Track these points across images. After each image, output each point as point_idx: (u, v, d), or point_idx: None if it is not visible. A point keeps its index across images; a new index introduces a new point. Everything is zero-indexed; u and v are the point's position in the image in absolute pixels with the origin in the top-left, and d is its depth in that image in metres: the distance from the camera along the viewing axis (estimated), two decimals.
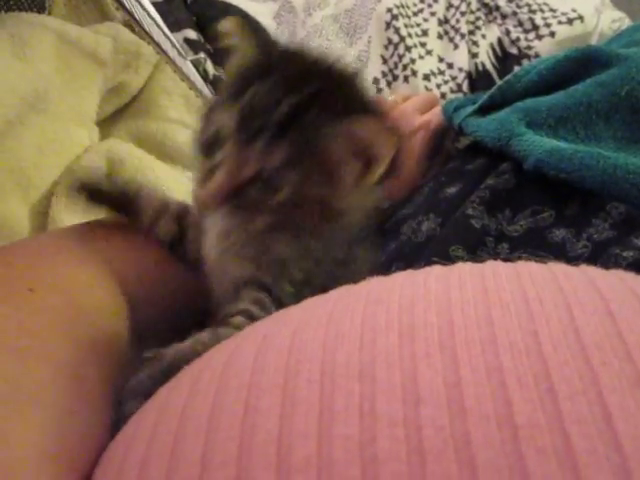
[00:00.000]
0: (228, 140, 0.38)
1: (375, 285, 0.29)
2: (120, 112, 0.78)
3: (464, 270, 0.30)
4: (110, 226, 0.47)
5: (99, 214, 0.65)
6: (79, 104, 0.64)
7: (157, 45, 0.72)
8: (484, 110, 0.69)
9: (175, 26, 0.93)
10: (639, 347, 0.21)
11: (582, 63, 0.66)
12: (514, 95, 0.68)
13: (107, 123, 0.75)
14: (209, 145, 0.40)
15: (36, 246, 0.42)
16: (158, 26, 0.79)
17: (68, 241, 0.43)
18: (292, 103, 0.37)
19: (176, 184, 0.71)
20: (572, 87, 0.65)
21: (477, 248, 0.57)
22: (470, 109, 0.70)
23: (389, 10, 0.92)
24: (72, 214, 0.60)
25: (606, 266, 0.51)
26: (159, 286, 0.48)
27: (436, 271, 0.31)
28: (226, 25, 0.42)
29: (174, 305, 0.49)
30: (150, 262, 0.47)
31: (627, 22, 0.96)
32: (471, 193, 0.64)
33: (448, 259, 0.55)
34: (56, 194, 0.60)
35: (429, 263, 0.54)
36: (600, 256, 0.52)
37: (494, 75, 0.91)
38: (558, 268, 0.31)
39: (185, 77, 0.78)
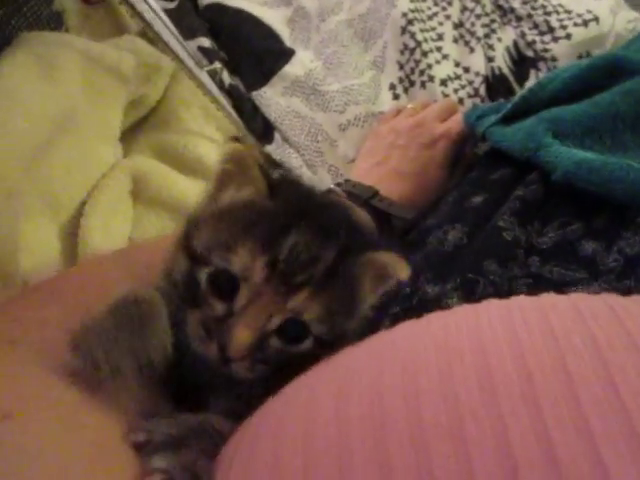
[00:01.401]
0: (252, 287, 0.36)
1: (439, 325, 0.29)
2: (139, 125, 0.77)
3: (524, 307, 0.30)
4: (148, 248, 0.47)
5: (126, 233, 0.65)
6: (104, 122, 0.63)
7: (176, 57, 0.71)
8: (508, 119, 0.69)
9: (189, 34, 0.92)
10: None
11: (607, 71, 0.66)
12: (538, 104, 0.67)
13: (127, 137, 0.74)
14: (216, 282, 0.37)
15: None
16: (175, 36, 0.78)
17: (113, 272, 0.43)
18: (331, 257, 0.37)
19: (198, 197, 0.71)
20: (598, 96, 0.65)
21: (508, 261, 0.57)
22: (494, 118, 0.70)
23: (404, 15, 0.91)
24: (101, 234, 0.60)
25: (638, 281, 0.51)
26: None
27: (495, 309, 0.31)
28: (231, 151, 0.39)
29: None
30: None
31: None
32: (497, 203, 0.64)
33: (481, 273, 0.55)
34: (84, 214, 0.60)
35: (463, 277, 0.55)
36: (633, 271, 0.52)
37: (511, 79, 0.90)
38: (614, 301, 0.31)
39: (203, 88, 0.78)
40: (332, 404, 0.25)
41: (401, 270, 0.39)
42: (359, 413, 0.24)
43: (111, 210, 0.63)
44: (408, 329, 0.31)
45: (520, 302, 0.31)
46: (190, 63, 0.81)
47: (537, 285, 0.55)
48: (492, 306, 0.31)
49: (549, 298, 0.32)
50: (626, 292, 0.50)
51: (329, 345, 0.37)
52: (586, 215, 0.59)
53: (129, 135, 0.76)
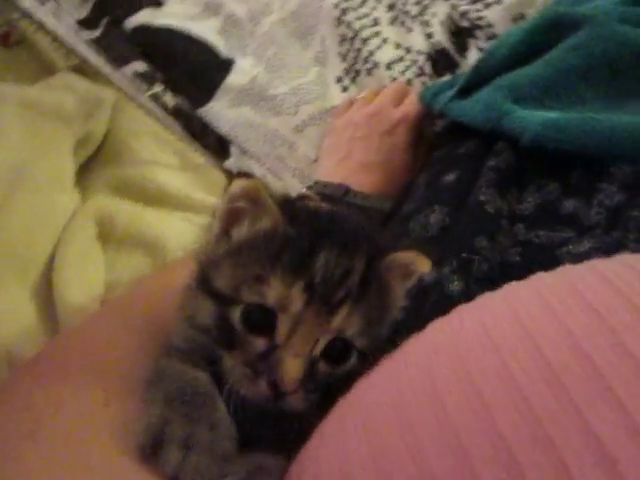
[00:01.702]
0: (292, 316, 0.35)
1: (474, 323, 0.28)
2: (91, 164, 0.73)
3: (549, 285, 0.29)
4: (142, 297, 0.45)
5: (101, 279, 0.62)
6: (56, 169, 0.60)
7: (119, 86, 0.68)
8: (463, 92, 0.69)
9: (121, 61, 0.88)
10: None
11: (551, 30, 0.66)
12: (491, 72, 0.67)
13: (80, 178, 0.71)
14: (251, 318, 0.36)
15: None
16: (110, 65, 0.75)
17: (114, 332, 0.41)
18: (362, 267, 0.37)
19: (169, 228, 0.68)
20: (547, 55, 0.65)
21: (496, 234, 0.57)
22: (449, 93, 0.69)
23: (336, 5, 0.90)
24: (76, 287, 0.57)
25: (628, 230, 0.52)
26: None
27: (523, 293, 0.30)
28: (239, 189, 0.38)
29: None
30: None
31: None
32: (471, 177, 0.64)
33: (474, 251, 0.55)
34: (54, 269, 0.56)
35: (458, 258, 0.54)
36: (617, 221, 0.53)
37: (452, 52, 0.90)
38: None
39: (150, 112, 0.75)
40: (397, 426, 0.24)
41: (423, 264, 0.40)
42: (429, 435, 0.23)
43: (81, 259, 0.59)
44: (445, 334, 0.30)
45: (542, 281, 0.30)
46: (130, 90, 0.78)
47: (527, 252, 0.55)
48: (517, 291, 0.31)
49: (566, 271, 0.31)
50: (616, 244, 0.51)
51: (368, 358, 0.37)
52: (560, 174, 0.60)
53: (82, 176, 0.72)
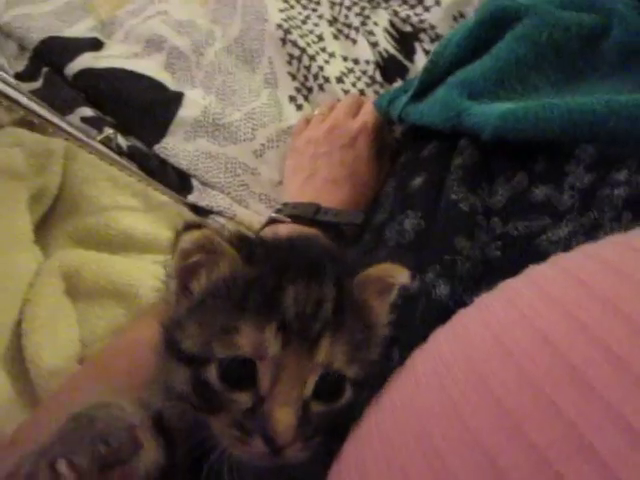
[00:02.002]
0: (272, 361, 0.32)
1: (479, 326, 0.27)
2: (49, 218, 0.70)
3: (547, 277, 0.28)
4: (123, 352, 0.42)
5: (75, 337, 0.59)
6: (13, 229, 0.57)
7: (70, 134, 0.65)
8: (418, 95, 0.69)
9: (66, 108, 0.86)
10: None
11: (494, 23, 0.67)
12: (442, 72, 0.68)
13: (39, 234, 0.68)
14: (228, 374, 0.33)
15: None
16: (56, 114, 0.72)
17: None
18: (333, 293, 0.35)
19: (140, 273, 0.65)
20: (495, 47, 0.66)
21: (474, 231, 0.56)
22: (405, 98, 0.69)
23: (279, 26, 0.90)
24: (49, 349, 0.54)
25: (603, 210, 0.52)
26: None
27: (523, 289, 0.29)
28: (189, 243, 0.35)
29: None
30: None
31: None
32: (439, 178, 0.63)
33: (455, 252, 0.54)
34: (24, 334, 0.53)
35: (441, 261, 0.53)
36: (591, 202, 0.53)
37: (400, 57, 0.91)
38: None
39: (104, 156, 0.72)
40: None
41: (401, 274, 0.38)
42: (460, 462, 0.21)
43: (51, 319, 0.57)
44: (452, 345, 0.28)
45: (539, 274, 0.29)
46: (83, 136, 0.75)
47: (507, 245, 0.55)
48: (517, 289, 0.29)
49: (560, 261, 0.30)
50: (594, 225, 0.51)
51: (365, 386, 0.34)
52: (526, 163, 0.60)
53: (42, 232, 0.69)
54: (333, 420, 0.34)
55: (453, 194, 0.58)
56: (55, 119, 0.63)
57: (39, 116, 0.60)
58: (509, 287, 0.30)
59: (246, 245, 0.37)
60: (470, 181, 0.59)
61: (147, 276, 0.65)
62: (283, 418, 0.31)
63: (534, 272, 0.30)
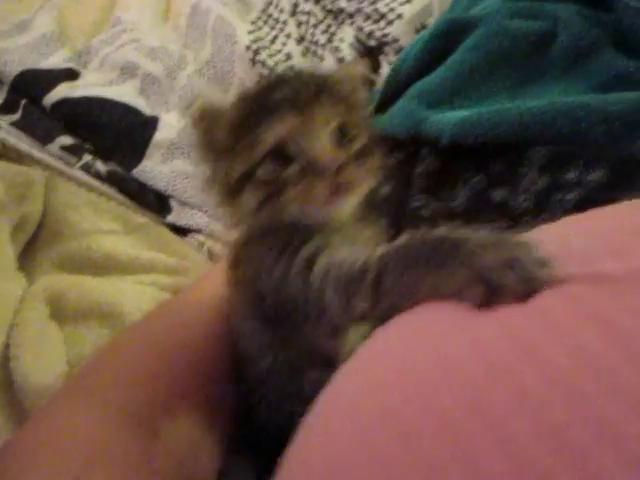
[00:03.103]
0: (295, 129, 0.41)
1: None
2: (32, 245, 0.73)
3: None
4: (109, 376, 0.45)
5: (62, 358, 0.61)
6: None
7: (47, 164, 0.68)
8: (381, 107, 0.72)
9: (46, 138, 0.89)
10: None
11: (448, 35, 0.70)
12: (402, 84, 0.71)
13: (24, 262, 0.70)
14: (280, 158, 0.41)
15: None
16: (34, 145, 0.75)
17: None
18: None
19: (122, 293, 0.68)
20: (449, 59, 0.69)
21: None
22: (368, 110, 0.72)
23: (248, 47, 0.93)
24: (36, 371, 0.56)
25: (553, 214, 0.55)
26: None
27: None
28: (196, 110, 0.44)
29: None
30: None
31: None
32: (403, 186, 0.66)
33: None
34: (12, 357, 0.55)
35: None
36: (544, 206, 0.56)
37: (366, 71, 0.94)
38: None
39: (83, 183, 0.75)
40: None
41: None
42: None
43: (38, 341, 0.59)
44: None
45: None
46: (59, 165, 0.78)
47: None
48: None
49: None
50: None
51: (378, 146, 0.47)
52: (484, 166, 0.62)
53: (27, 259, 0.72)
54: (361, 157, 0.43)
55: (414, 202, 0.61)
56: (34, 150, 0.65)
57: (17, 148, 0.62)
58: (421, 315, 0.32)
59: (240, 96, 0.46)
60: (431, 188, 0.62)
61: (129, 296, 0.68)
62: (322, 152, 0.40)
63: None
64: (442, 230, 0.35)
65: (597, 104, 0.57)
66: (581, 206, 0.54)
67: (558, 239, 0.31)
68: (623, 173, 0.52)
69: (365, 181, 0.44)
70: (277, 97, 0.42)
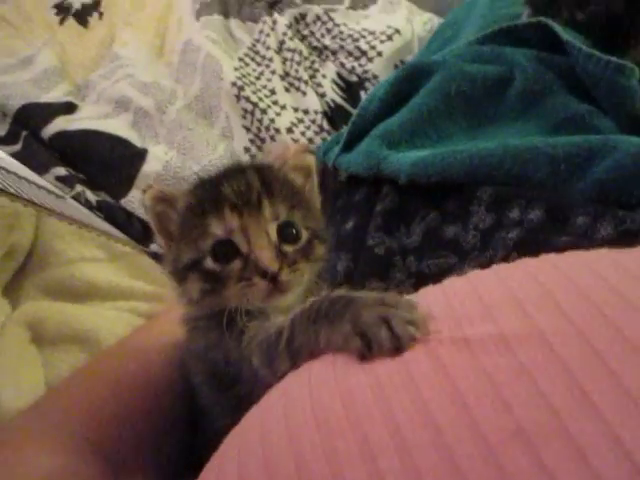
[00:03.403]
0: (238, 230, 0.43)
1: (315, 364, 0.33)
2: (20, 272, 0.78)
3: None
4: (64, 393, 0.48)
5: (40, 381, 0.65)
6: None
7: (31, 203, 0.73)
8: (349, 145, 0.76)
9: (42, 169, 0.94)
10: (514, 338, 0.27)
11: (410, 79, 0.74)
12: (368, 124, 0.75)
13: (10, 289, 0.75)
14: (219, 255, 0.44)
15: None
16: (26, 180, 0.80)
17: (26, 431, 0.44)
18: (259, 177, 0.46)
19: (100, 320, 0.72)
20: (411, 101, 0.73)
21: (388, 272, 0.62)
22: (337, 149, 0.76)
23: (234, 84, 0.98)
24: (13, 393, 0.60)
25: (496, 251, 0.58)
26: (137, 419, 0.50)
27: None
28: (148, 200, 0.47)
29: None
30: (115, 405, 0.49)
31: (436, 20, 1.08)
32: (365, 222, 0.70)
33: None
34: None
35: None
36: (489, 243, 0.59)
37: (346, 106, 0.98)
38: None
39: (71, 220, 0.79)
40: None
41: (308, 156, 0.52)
42: None
43: (16, 364, 0.63)
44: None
45: None
46: (50, 198, 0.82)
47: (419, 283, 0.60)
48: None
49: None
50: (488, 265, 0.56)
51: (322, 237, 0.49)
52: (439, 204, 0.66)
53: (14, 285, 0.76)
54: (304, 253, 0.46)
55: (370, 239, 0.64)
56: (23, 190, 0.70)
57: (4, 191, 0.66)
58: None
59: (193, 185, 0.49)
60: (388, 226, 0.65)
61: (106, 322, 0.72)
62: (264, 255, 0.42)
63: None
64: (341, 290, 0.38)
65: (544, 146, 0.60)
66: (520, 246, 0.57)
67: (444, 300, 0.34)
68: (559, 215, 0.55)
69: (305, 277, 0.45)
70: (225, 192, 0.44)
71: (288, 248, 0.45)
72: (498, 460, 0.21)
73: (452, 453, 0.22)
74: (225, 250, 0.43)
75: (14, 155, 0.98)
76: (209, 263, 0.44)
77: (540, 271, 0.31)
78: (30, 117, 1.04)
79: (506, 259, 0.55)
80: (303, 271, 0.44)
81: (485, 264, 0.56)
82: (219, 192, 0.44)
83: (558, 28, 0.70)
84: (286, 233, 0.45)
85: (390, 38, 1.01)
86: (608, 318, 0.24)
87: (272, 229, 0.44)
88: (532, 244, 0.55)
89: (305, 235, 0.46)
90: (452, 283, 0.36)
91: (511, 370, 0.24)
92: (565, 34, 0.70)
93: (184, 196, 0.47)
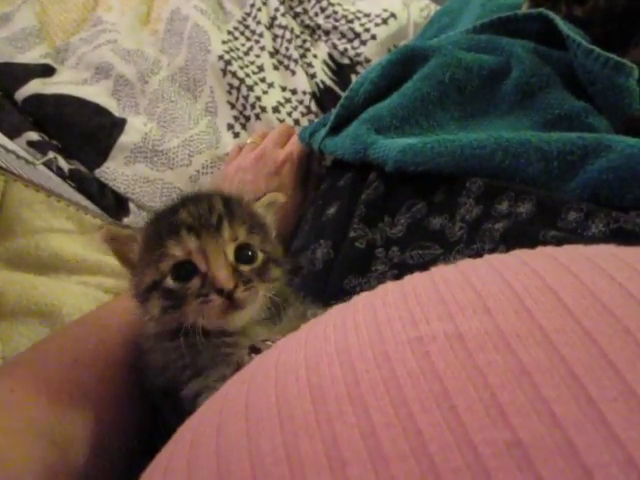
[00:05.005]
0: (198, 251, 0.45)
1: (283, 350, 0.30)
2: None
3: (358, 308, 0.32)
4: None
5: None
6: None
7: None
8: (336, 128, 0.73)
9: (14, 132, 0.89)
10: (514, 336, 0.24)
11: (404, 63, 0.71)
12: (357, 108, 0.72)
13: None
14: (180, 275, 0.46)
15: None
16: None
17: None
18: (221, 203, 0.49)
19: (64, 294, 0.68)
20: (404, 86, 0.70)
21: (369, 265, 0.60)
22: (324, 132, 0.73)
23: (220, 57, 0.94)
24: None
25: (483, 243, 0.56)
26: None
27: (334, 317, 0.32)
28: (101, 237, 0.50)
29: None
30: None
31: (433, 7, 1.05)
32: (349, 208, 0.67)
33: (346, 292, 0.58)
34: None
35: (335, 298, 0.57)
36: (476, 234, 0.57)
37: (336, 89, 0.95)
38: (438, 276, 0.33)
39: (40, 187, 0.75)
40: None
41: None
42: None
43: None
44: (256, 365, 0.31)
45: (356, 304, 0.32)
46: (19, 163, 0.78)
47: (402, 274, 0.58)
48: (333, 314, 0.33)
49: (384, 289, 0.34)
50: (475, 256, 0.54)
51: (278, 261, 0.51)
52: (426, 194, 0.63)
53: None
54: (259, 274, 0.48)
55: (352, 231, 0.61)
56: None
57: None
58: (355, 304, 0.33)
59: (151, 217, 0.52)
60: (372, 217, 0.63)
61: (71, 296, 0.68)
62: (221, 273, 0.44)
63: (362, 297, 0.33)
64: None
65: (538, 141, 0.58)
66: (508, 238, 0.55)
67: (432, 288, 0.32)
68: (549, 209, 0.53)
69: (260, 295, 0.47)
70: (182, 216, 0.46)
71: (244, 268, 0.47)
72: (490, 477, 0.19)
73: (435, 465, 0.20)
74: (185, 269, 0.46)
75: None
76: (169, 282, 0.46)
77: (538, 263, 0.28)
78: (3, 77, 0.98)
79: (493, 252, 0.54)
80: (258, 289, 0.47)
81: (472, 257, 0.55)
82: (177, 217, 0.47)
83: (559, 20, 0.68)
84: (243, 254, 0.48)
85: (385, 22, 0.98)
86: (617, 318, 0.22)
87: (230, 250, 0.47)
88: (520, 237, 0.53)
89: (261, 257, 0.49)
90: (440, 271, 0.33)
91: (509, 371, 0.22)
92: (566, 27, 0.68)
93: (141, 230, 0.50)
